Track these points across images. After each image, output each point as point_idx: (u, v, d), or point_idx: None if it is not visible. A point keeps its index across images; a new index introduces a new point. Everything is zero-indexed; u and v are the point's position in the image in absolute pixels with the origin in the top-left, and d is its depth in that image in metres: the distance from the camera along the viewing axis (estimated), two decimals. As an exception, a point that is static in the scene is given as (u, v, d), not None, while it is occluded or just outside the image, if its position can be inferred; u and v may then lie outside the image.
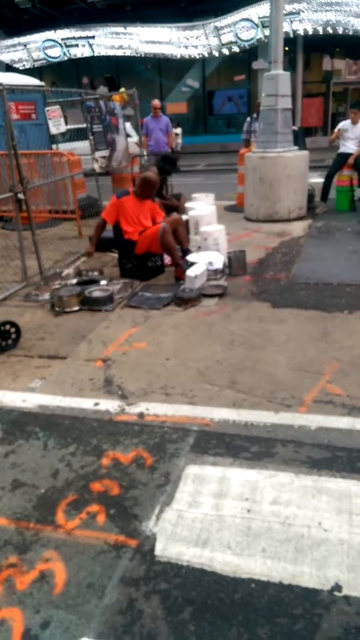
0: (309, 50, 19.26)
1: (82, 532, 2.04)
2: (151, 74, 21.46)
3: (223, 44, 18.66)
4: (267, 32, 15.58)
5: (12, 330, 3.80)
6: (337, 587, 1.74)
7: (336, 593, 1.72)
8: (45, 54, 20.56)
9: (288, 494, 2.16)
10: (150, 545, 1.95)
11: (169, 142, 10.06)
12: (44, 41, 20.36)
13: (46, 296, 4.79)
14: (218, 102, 21.29)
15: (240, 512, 2.08)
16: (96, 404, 2.96)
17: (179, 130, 18.97)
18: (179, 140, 18.58)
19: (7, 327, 3.77)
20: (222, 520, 2.05)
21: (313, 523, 2.01)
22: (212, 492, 2.20)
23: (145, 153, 8.95)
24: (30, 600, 1.77)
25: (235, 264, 5.06)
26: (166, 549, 1.93)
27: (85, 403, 2.98)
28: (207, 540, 1.96)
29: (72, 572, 1.86)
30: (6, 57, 20.87)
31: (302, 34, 17.53)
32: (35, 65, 20.75)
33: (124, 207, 5.09)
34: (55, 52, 20.51)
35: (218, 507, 2.12)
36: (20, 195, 4.99)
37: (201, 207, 6.23)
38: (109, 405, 2.94)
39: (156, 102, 9.86)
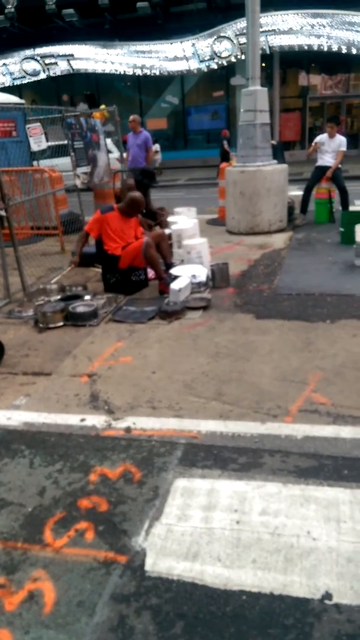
0: (285, 66, 19.71)
1: (71, 550, 2.02)
2: (131, 91, 21.71)
3: (201, 61, 18.97)
4: (244, 49, 15.88)
5: (-4, 347, 3.78)
6: (328, 596, 1.75)
7: (327, 601, 1.73)
8: (25, 71, 20.67)
9: (277, 504, 2.17)
10: (140, 561, 1.94)
11: (148, 157, 9.76)
12: (22, 59, 20.49)
13: (30, 312, 4.77)
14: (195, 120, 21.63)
15: (230, 524, 2.08)
16: (82, 420, 2.94)
17: (157, 147, 19.15)
18: (158, 157, 18.74)
19: (-9, 344, 3.75)
20: (212, 532, 2.05)
21: (302, 532, 2.01)
22: (201, 505, 2.20)
23: (125, 169, 9.00)
24: (19, 620, 1.74)
25: (218, 277, 5.10)
26: (156, 563, 1.92)
27: (71, 419, 2.96)
28: (197, 554, 1.95)
29: (62, 591, 1.84)
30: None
31: (278, 50, 17.91)
32: (15, 83, 20.85)
33: (107, 223, 5.11)
34: (35, 70, 20.63)
35: (207, 519, 2.11)
36: (2, 212, 4.99)
37: (184, 221, 6.29)
38: (96, 420, 2.93)
39: (134, 117, 9.47)
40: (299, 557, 1.90)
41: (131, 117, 9.31)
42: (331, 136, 7.73)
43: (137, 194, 5.30)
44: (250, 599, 1.76)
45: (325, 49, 17.35)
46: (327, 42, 17.25)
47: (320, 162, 7.88)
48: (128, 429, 2.82)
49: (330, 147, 7.72)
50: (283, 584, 1.80)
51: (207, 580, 1.84)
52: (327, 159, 7.77)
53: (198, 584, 1.83)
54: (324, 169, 7.76)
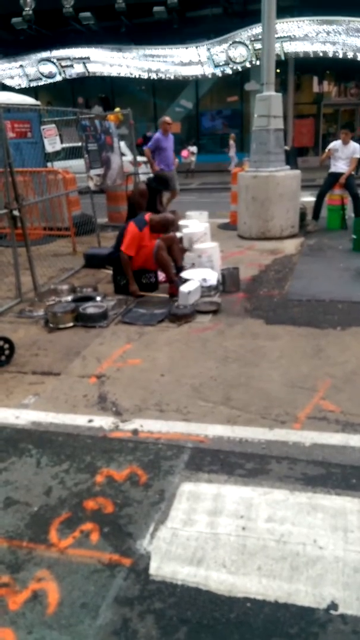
0: (300, 72, 19.70)
1: (76, 551, 2.02)
2: (145, 95, 21.81)
3: (216, 66, 19.00)
4: (259, 54, 15.91)
5: (6, 346, 3.79)
6: (333, 606, 1.73)
7: (332, 611, 1.71)
8: (41, 73, 20.85)
9: (283, 511, 2.16)
10: (145, 564, 1.93)
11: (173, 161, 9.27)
12: (39, 61, 20.68)
13: (40, 312, 4.79)
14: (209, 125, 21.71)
15: (235, 530, 2.07)
16: (90, 421, 2.94)
17: (194, 149, 19.21)
18: (193, 159, 18.81)
19: (1, 343, 3.76)
20: (217, 538, 2.04)
21: (308, 540, 1.99)
22: (206, 510, 2.19)
23: (147, 171, 8.87)
24: (22, 620, 1.74)
25: (229, 281, 5.09)
26: (161, 567, 1.91)
27: (79, 420, 2.97)
28: (202, 559, 1.94)
29: (66, 592, 1.83)
30: (2, 77, 21.14)
31: (293, 57, 17.91)
32: (31, 85, 21.03)
33: (142, 238, 5.08)
34: (51, 72, 20.80)
35: (213, 524, 2.10)
36: (16, 212, 5.02)
37: (195, 225, 6.29)
38: (103, 421, 2.93)
39: (167, 118, 8.97)
40: (304, 565, 1.88)
41: (166, 119, 8.89)
42: (345, 143, 7.70)
43: (169, 215, 5.32)
44: (255, 607, 1.74)
45: (341, 55, 17.31)
46: (342, 49, 17.21)
47: (333, 169, 7.86)
48: (135, 431, 2.81)
49: (344, 154, 7.70)
50: (288, 593, 1.78)
51: (211, 586, 1.82)
52: (340, 166, 7.75)
53: (202, 589, 1.82)
54: (337, 175, 7.73)
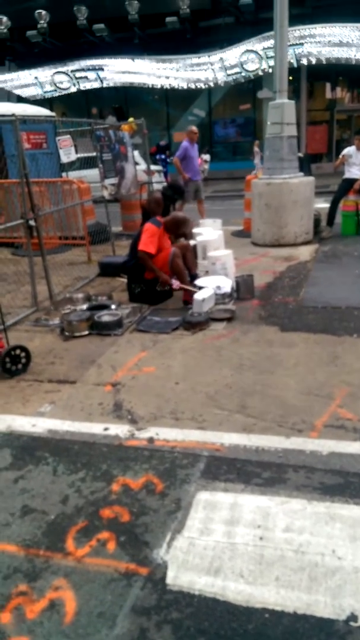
0: (313, 79, 19.70)
1: (93, 560, 2.02)
2: (158, 104, 21.95)
3: (229, 75, 19.10)
4: (271, 62, 15.95)
5: (22, 354, 3.82)
6: (353, 617, 1.70)
7: (352, 623, 1.68)
8: (56, 85, 21.11)
9: (301, 520, 2.13)
10: (162, 574, 1.92)
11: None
12: (54, 73, 20.94)
13: (56, 321, 4.83)
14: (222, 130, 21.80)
15: (253, 540, 2.05)
16: (106, 429, 2.95)
17: (207, 157, 19.29)
18: (206, 167, 18.88)
19: (17, 351, 3.80)
20: (234, 548, 2.02)
21: (327, 551, 1.97)
22: (223, 519, 2.17)
23: (163, 181, 8.96)
24: (40, 629, 1.74)
25: (243, 288, 5.08)
26: (178, 577, 1.90)
27: (94, 428, 2.97)
28: (219, 569, 1.92)
29: (83, 601, 1.83)
30: (18, 89, 21.46)
31: (306, 64, 17.92)
32: (46, 97, 21.30)
33: (161, 236, 5.14)
34: (65, 84, 21.06)
35: (230, 534, 2.09)
36: (32, 222, 5.08)
37: (209, 233, 6.30)
38: (119, 430, 2.93)
39: (194, 127, 9.12)
40: (323, 576, 1.86)
41: (193, 128, 9.00)
42: (359, 149, 7.67)
43: (179, 214, 5.36)
44: (273, 618, 1.72)
45: (354, 62, 17.27)
46: (355, 56, 17.17)
47: (347, 175, 7.82)
48: (151, 440, 2.81)
49: (358, 160, 7.66)
50: (307, 604, 1.76)
51: (229, 597, 1.81)
52: (354, 172, 7.71)
53: (220, 599, 1.80)
54: (352, 181, 7.69)
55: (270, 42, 16.24)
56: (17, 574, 1.98)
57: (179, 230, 5.29)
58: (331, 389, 3.23)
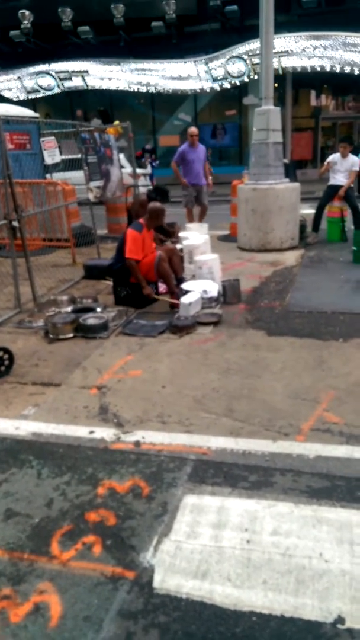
0: (297, 86, 19.92)
1: (78, 564, 1.99)
2: (144, 108, 21.98)
3: (214, 80, 19.20)
4: (257, 69, 16.10)
5: (5, 356, 3.77)
6: (340, 620, 1.70)
7: (339, 626, 1.68)
8: (39, 86, 20.99)
9: (288, 524, 2.13)
10: (148, 577, 1.90)
11: (206, 173, 8.69)
12: (37, 74, 20.82)
13: (40, 323, 4.78)
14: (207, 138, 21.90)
15: (240, 543, 2.04)
16: (91, 432, 2.92)
17: None
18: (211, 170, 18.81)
19: (0, 353, 3.75)
20: (222, 551, 2.01)
21: (314, 554, 1.97)
22: (210, 523, 2.16)
23: (145, 184, 8.93)
24: (24, 633, 1.71)
25: (229, 293, 5.09)
26: (165, 581, 1.88)
27: (80, 431, 2.94)
28: (206, 572, 1.91)
29: (68, 605, 1.80)
30: (0, 89, 21.28)
31: (291, 71, 18.12)
32: (29, 97, 21.17)
33: (143, 240, 5.11)
34: (49, 85, 20.95)
35: (217, 538, 2.08)
36: (15, 223, 5.03)
37: (195, 237, 6.31)
38: (105, 433, 2.91)
39: (193, 129, 8.52)
40: (310, 579, 1.86)
41: (191, 130, 8.45)
42: (344, 156, 7.76)
43: (155, 204, 5.32)
44: (261, 621, 1.71)
45: (337, 70, 17.52)
46: (338, 64, 17.42)
47: (332, 182, 7.91)
48: (137, 443, 2.79)
49: (343, 167, 7.75)
50: (294, 606, 1.76)
51: (216, 600, 1.80)
52: (339, 178, 7.80)
53: (207, 603, 1.79)
54: (337, 188, 7.78)
55: (255, 45, 16.39)
56: (1, 577, 1.94)
57: (158, 220, 5.25)
58: (317, 393, 3.24)
